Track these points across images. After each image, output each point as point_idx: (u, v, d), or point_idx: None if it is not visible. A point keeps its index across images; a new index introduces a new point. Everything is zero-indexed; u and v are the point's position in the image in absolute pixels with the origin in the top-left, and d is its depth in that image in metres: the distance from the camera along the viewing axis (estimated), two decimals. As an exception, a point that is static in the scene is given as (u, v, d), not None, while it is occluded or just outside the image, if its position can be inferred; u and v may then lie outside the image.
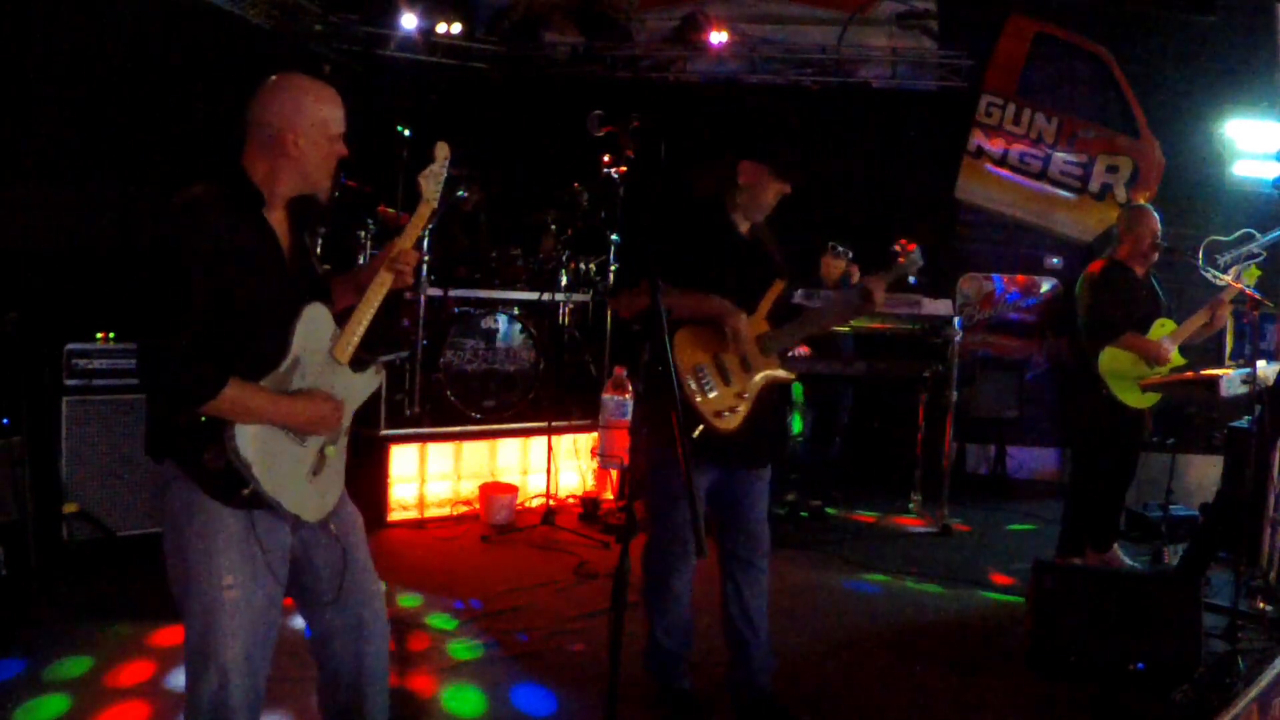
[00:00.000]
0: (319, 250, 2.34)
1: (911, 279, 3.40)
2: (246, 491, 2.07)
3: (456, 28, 7.63)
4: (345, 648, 2.37)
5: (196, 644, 2.13)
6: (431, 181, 2.46)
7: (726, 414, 3.03)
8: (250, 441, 2.06)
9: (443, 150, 2.47)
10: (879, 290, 3.14)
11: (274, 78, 2.22)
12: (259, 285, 2.11)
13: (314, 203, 2.29)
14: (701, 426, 2.99)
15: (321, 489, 2.26)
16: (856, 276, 6.32)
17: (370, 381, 2.39)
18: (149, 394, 2.13)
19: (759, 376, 3.09)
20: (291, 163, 2.17)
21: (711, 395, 3.03)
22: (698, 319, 3.04)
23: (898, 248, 3.35)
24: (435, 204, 2.47)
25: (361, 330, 2.31)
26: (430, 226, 5.47)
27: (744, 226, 3.21)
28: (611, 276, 6.14)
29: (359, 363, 2.34)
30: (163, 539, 2.19)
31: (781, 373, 3.15)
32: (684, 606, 3.19)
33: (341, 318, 2.31)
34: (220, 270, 2.03)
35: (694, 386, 3.01)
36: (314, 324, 2.22)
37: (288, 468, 2.16)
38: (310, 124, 2.17)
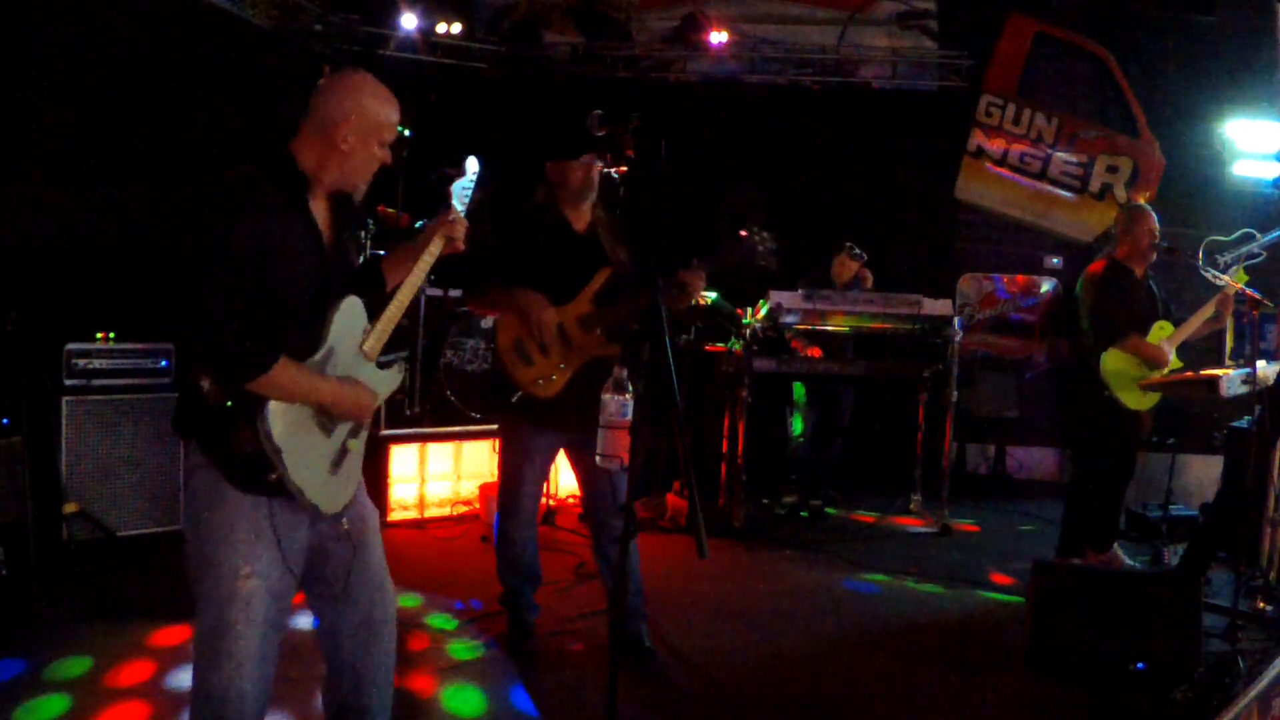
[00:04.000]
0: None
1: (759, 260, 3.61)
2: (273, 477, 2.05)
3: (456, 28, 7.62)
4: (353, 644, 2.37)
5: (210, 632, 2.13)
6: (459, 193, 2.51)
7: (542, 382, 3.43)
8: (280, 426, 2.05)
9: (472, 164, 2.54)
10: (695, 284, 3.42)
11: (343, 70, 2.26)
12: (297, 270, 2.13)
13: (351, 201, 2.31)
14: (520, 393, 3.43)
15: (341, 482, 2.26)
16: (870, 281, 6.34)
17: (393, 380, 2.41)
18: (200, 369, 2.09)
19: (579, 351, 3.45)
20: (339, 157, 2.19)
21: (529, 366, 3.44)
22: (510, 310, 3.47)
23: (742, 233, 3.58)
24: (462, 215, 2.52)
25: (393, 325, 2.32)
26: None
27: (580, 224, 3.58)
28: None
29: (379, 361, 2.36)
30: (183, 525, 2.21)
31: (606, 349, 3.48)
32: (520, 550, 3.65)
33: (374, 313, 2.32)
34: (261, 249, 2.04)
35: (513, 358, 3.45)
36: (350, 316, 2.23)
37: (312, 457, 2.16)
38: (365, 123, 2.19)
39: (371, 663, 2.39)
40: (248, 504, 2.11)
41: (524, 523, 3.65)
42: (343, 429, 2.25)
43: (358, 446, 2.30)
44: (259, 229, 2.04)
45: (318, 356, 2.14)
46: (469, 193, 2.53)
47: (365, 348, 2.28)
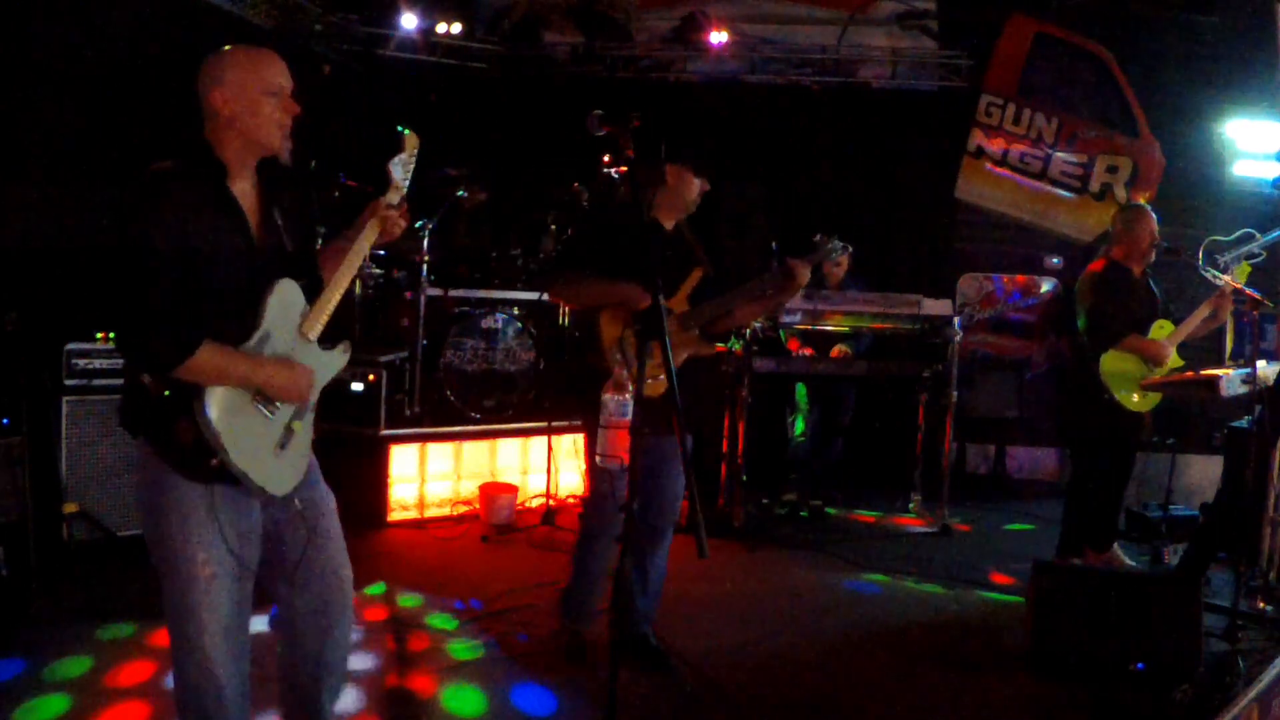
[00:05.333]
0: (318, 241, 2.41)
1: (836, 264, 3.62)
2: (215, 462, 2.10)
3: (456, 28, 7.63)
4: (307, 628, 2.41)
5: (177, 623, 2.22)
6: (400, 169, 2.49)
7: (650, 381, 3.25)
8: (218, 412, 2.09)
9: (413, 141, 2.51)
10: (802, 271, 3.41)
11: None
12: (222, 256, 2.16)
13: (277, 167, 2.31)
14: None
15: (288, 463, 2.29)
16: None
17: (337, 360, 2.42)
18: (127, 360, 2.19)
19: (679, 350, 3.40)
20: (226, 124, 2.22)
21: (633, 366, 3.26)
22: (612, 303, 3.36)
23: (818, 238, 3.66)
24: (404, 189, 2.50)
25: (332, 306, 2.35)
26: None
27: (669, 223, 3.56)
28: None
29: (326, 340, 2.37)
30: (141, 520, 2.25)
31: (704, 348, 3.50)
32: (604, 563, 3.53)
33: (314, 295, 2.34)
34: (183, 238, 2.09)
35: (617, 358, 3.33)
36: (285, 299, 2.26)
37: (255, 440, 2.19)
38: (237, 82, 2.21)
39: (327, 648, 2.43)
40: (196, 493, 2.16)
41: (612, 537, 3.50)
42: (286, 411, 2.26)
43: (302, 428, 2.32)
44: (173, 222, 2.08)
45: (253, 341, 2.17)
46: (410, 169, 2.50)
47: (305, 330, 2.30)
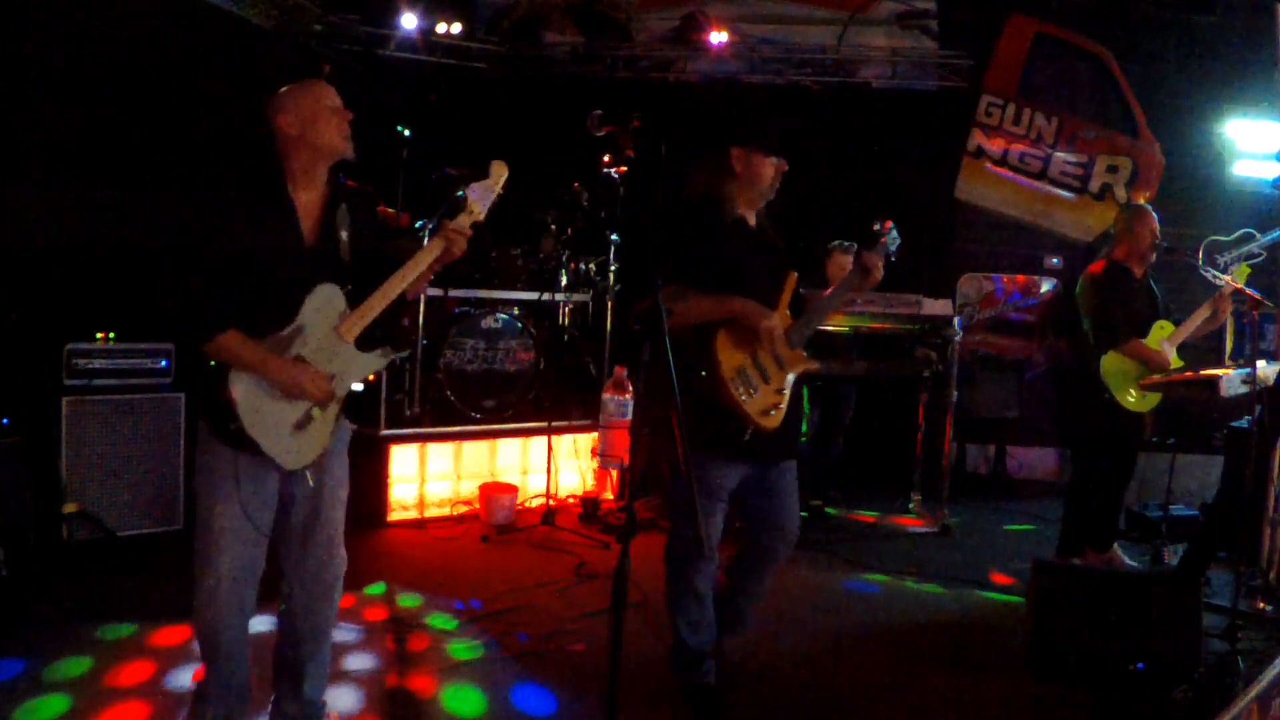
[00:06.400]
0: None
1: (891, 257, 3.39)
2: (234, 426, 2.41)
3: (456, 28, 7.63)
4: (298, 598, 2.68)
5: (197, 567, 2.52)
6: (481, 194, 2.62)
7: (772, 412, 3.08)
8: (241, 385, 2.42)
9: (500, 170, 2.64)
10: (877, 265, 3.21)
11: None
12: (270, 252, 2.44)
13: (341, 172, 2.59)
14: (751, 429, 3.02)
15: (304, 443, 2.53)
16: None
17: (373, 362, 2.64)
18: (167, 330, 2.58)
19: (793, 371, 3.15)
20: (293, 142, 2.51)
21: (755, 396, 3.05)
22: (725, 320, 3.03)
23: (877, 226, 3.39)
24: (481, 218, 2.64)
25: (374, 313, 2.53)
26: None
27: (751, 219, 3.24)
28: (615, 280, 6.18)
29: (368, 343, 2.57)
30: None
31: (811, 364, 3.21)
32: (708, 603, 3.21)
33: (357, 300, 2.55)
34: (229, 237, 2.40)
35: (741, 390, 3.01)
36: (324, 301, 2.51)
37: (273, 416, 2.47)
38: (296, 108, 2.52)
39: (313, 618, 2.69)
40: (224, 456, 2.48)
41: (712, 572, 3.22)
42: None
43: (322, 415, 2.55)
44: (222, 224, 2.42)
45: (286, 332, 2.46)
46: (493, 197, 2.61)
47: (342, 331, 2.52)
